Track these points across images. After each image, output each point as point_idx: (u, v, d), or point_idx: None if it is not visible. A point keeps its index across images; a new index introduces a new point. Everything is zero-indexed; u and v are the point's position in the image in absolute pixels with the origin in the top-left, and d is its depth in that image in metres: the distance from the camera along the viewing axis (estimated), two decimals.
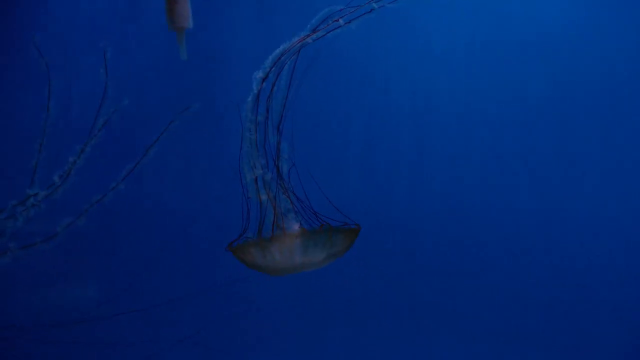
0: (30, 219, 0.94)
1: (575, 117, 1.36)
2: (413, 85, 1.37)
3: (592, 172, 1.34)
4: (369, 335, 1.36)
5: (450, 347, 1.32)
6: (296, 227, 0.98)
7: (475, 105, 1.37)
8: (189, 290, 1.27)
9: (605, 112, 1.36)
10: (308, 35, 1.04)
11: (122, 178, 0.92)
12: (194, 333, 1.26)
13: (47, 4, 1.33)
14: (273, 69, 1.10)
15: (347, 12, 1.03)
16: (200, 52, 1.33)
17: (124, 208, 1.30)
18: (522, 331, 1.33)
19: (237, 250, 0.98)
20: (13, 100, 1.23)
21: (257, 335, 1.35)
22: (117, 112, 0.99)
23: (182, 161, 1.35)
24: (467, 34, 1.37)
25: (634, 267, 1.33)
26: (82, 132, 1.08)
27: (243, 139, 1.02)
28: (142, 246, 1.29)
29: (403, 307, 1.36)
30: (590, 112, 1.36)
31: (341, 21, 0.98)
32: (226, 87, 1.23)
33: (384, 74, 1.38)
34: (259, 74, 1.10)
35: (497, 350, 1.31)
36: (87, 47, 1.26)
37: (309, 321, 1.35)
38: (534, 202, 1.35)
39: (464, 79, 1.36)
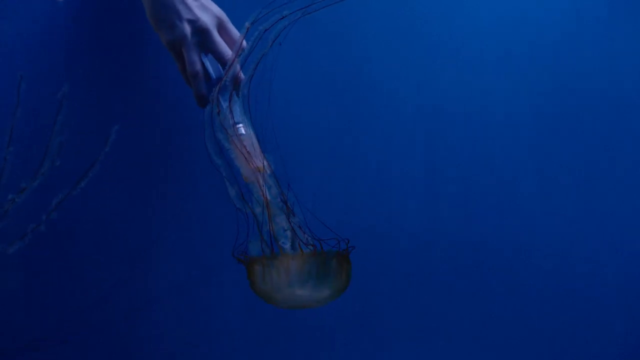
0: None
1: (602, 137, 1.34)
2: (423, 96, 1.33)
3: (613, 190, 1.33)
4: (376, 352, 1.35)
5: None
6: (292, 248, 0.96)
7: (490, 117, 1.34)
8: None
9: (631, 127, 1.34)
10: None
11: (53, 209, 0.93)
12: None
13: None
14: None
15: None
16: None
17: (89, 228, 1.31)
18: (536, 350, 1.33)
19: (248, 264, 0.94)
20: None
21: (253, 348, 1.34)
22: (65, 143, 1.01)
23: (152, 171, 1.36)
24: (479, 41, 1.34)
25: None
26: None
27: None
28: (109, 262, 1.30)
29: (412, 323, 1.33)
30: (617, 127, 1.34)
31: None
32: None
33: (391, 81, 1.33)
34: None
35: None
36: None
37: (313, 336, 1.34)
38: (551, 217, 1.32)
39: (477, 88, 1.34)
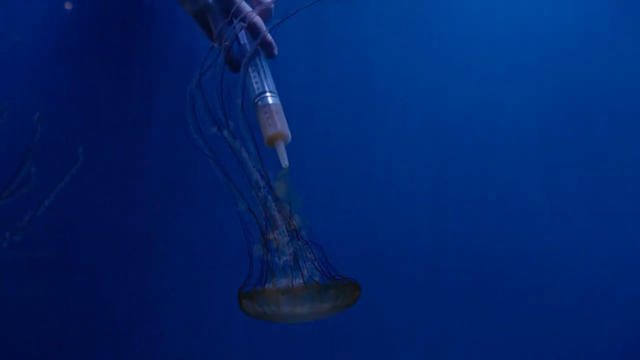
0: None
1: (616, 155, 1.33)
2: (431, 106, 1.33)
3: (620, 200, 1.32)
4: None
5: None
6: (286, 280, 0.91)
7: (498, 127, 1.34)
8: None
9: None
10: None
11: (16, 231, 0.95)
12: None
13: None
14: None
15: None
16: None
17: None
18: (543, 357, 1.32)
19: (242, 297, 0.92)
20: None
21: (254, 349, 1.36)
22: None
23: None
24: (488, 51, 1.35)
25: None
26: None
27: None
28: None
29: (419, 332, 1.33)
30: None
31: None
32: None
33: (398, 91, 1.34)
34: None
35: None
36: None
37: (317, 340, 1.35)
38: (558, 227, 1.32)
39: (485, 100, 1.34)
